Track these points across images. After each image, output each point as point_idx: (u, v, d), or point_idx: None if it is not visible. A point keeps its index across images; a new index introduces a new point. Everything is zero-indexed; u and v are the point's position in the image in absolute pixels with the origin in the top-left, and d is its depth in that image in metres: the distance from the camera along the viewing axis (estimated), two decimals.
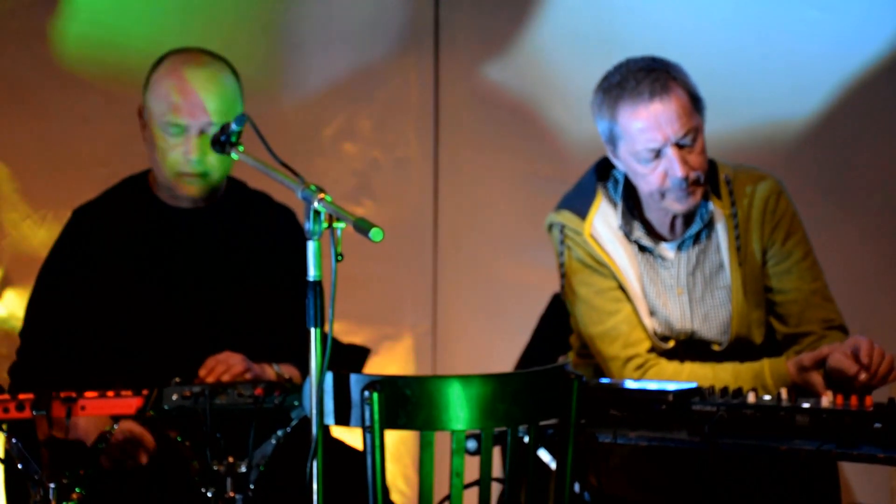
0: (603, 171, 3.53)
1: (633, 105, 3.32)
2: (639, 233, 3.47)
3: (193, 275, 3.43)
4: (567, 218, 3.51)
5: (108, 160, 4.34)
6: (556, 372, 2.74)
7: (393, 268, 4.91)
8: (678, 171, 3.31)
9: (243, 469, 2.89)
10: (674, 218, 3.45)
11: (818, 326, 3.45)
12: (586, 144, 4.23)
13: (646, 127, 3.31)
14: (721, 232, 3.46)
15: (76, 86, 4.51)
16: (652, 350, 3.45)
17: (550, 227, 3.55)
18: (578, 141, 4.69)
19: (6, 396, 2.88)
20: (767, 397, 2.99)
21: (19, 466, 2.87)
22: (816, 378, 3.21)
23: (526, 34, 4.86)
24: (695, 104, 3.35)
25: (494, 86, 4.91)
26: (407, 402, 2.61)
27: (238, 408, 2.93)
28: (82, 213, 3.50)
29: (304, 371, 2.69)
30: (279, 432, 2.91)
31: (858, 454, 2.85)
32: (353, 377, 2.63)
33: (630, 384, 3.11)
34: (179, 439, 2.97)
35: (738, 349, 3.45)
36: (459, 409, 2.62)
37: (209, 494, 2.89)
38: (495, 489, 2.71)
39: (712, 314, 3.47)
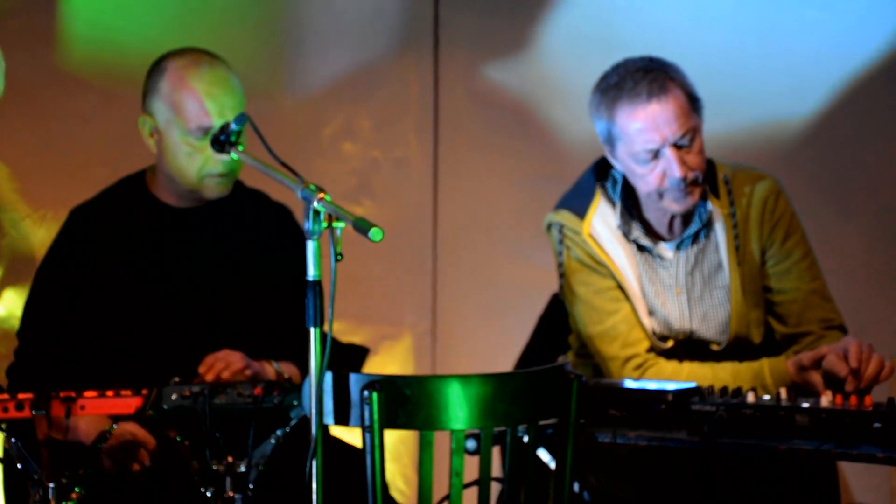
0: (601, 170, 3.53)
1: (631, 106, 3.32)
2: (637, 232, 3.47)
3: (191, 274, 3.43)
4: (566, 218, 3.51)
5: (107, 160, 4.33)
6: (555, 372, 2.74)
7: (392, 267, 4.91)
8: (676, 172, 3.31)
9: (242, 469, 2.89)
10: (672, 218, 3.45)
11: (817, 326, 3.45)
12: (586, 144, 4.23)
13: (644, 128, 3.31)
14: (720, 231, 3.46)
15: (76, 86, 4.51)
16: (651, 350, 3.46)
17: (549, 226, 3.55)
18: (578, 141, 4.69)
19: (5, 396, 2.87)
20: (767, 397, 2.99)
21: (19, 466, 2.87)
22: (816, 378, 3.20)
23: (526, 34, 4.86)
24: (693, 104, 3.35)
25: (494, 86, 4.91)
26: (406, 401, 2.61)
27: (237, 407, 2.93)
28: (79, 213, 3.50)
29: (304, 370, 2.69)
30: (278, 432, 2.91)
31: (858, 454, 2.85)
32: (353, 377, 2.63)
33: (629, 384, 3.11)
34: (179, 439, 2.98)
35: (736, 349, 3.45)
36: (459, 409, 2.62)
37: (208, 494, 2.89)
38: (494, 489, 2.71)
39: (711, 314, 3.48)
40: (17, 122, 4.46)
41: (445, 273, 4.99)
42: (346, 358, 3.65)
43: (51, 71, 4.49)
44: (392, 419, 2.61)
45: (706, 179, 3.42)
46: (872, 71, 4.56)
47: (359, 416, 2.61)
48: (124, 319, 3.38)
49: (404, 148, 4.97)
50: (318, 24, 4.85)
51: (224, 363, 3.19)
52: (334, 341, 2.64)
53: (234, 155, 3.11)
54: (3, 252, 4.45)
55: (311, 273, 2.65)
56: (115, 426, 3.11)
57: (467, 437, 2.71)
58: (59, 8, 4.50)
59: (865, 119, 4.60)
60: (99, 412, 2.94)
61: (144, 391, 2.93)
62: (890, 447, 2.82)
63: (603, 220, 3.48)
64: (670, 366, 3.40)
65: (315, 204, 2.64)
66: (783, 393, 2.99)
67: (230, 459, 2.89)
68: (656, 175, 3.34)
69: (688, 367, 3.39)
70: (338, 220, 2.62)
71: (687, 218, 3.45)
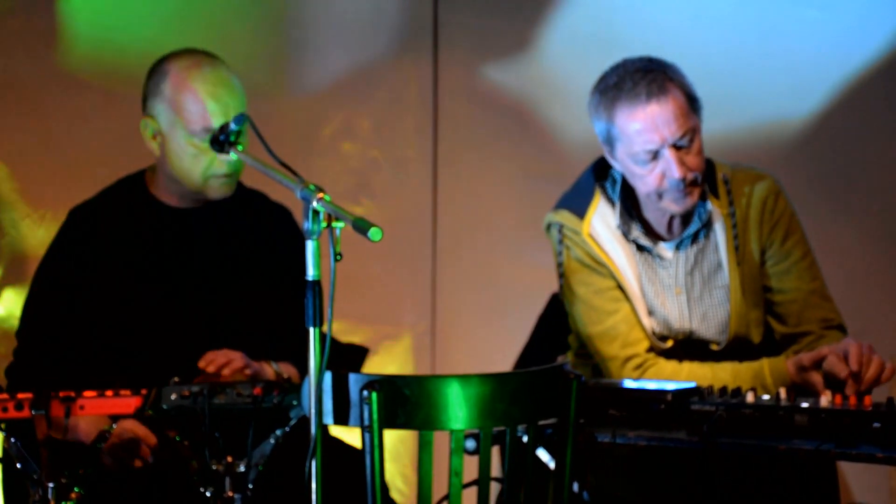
0: (601, 170, 3.53)
1: (630, 107, 3.32)
2: (637, 232, 3.47)
3: (191, 274, 3.43)
4: (565, 217, 3.51)
5: (107, 160, 4.32)
6: (554, 371, 2.74)
7: (392, 267, 4.91)
8: (676, 173, 3.31)
9: (242, 468, 2.89)
10: (672, 218, 3.45)
11: (817, 326, 3.45)
12: (586, 144, 4.22)
13: (643, 128, 3.31)
14: (719, 231, 3.46)
15: (76, 86, 4.51)
16: (650, 350, 3.45)
17: (549, 226, 3.55)
18: (578, 141, 4.69)
19: (5, 396, 2.87)
20: (766, 397, 2.99)
21: (18, 466, 2.87)
22: (816, 378, 3.21)
23: (525, 34, 4.86)
24: (692, 105, 3.35)
25: (493, 86, 4.91)
26: (406, 401, 2.61)
27: (237, 407, 2.93)
28: (79, 213, 3.50)
29: (303, 370, 2.69)
30: (278, 432, 2.91)
31: (857, 454, 2.85)
32: (352, 377, 2.63)
33: (629, 384, 3.11)
34: (178, 439, 2.98)
35: (736, 349, 3.45)
36: (458, 409, 2.62)
37: (208, 494, 2.89)
38: (494, 489, 2.71)
39: (710, 314, 3.48)
40: (17, 122, 4.47)
41: (445, 273, 4.99)
42: (345, 358, 3.65)
43: (51, 71, 4.49)
44: (391, 419, 2.61)
45: (705, 179, 3.42)
46: (872, 71, 4.56)
47: (358, 415, 2.61)
48: (124, 319, 3.38)
49: (404, 148, 4.97)
50: (318, 24, 4.85)
51: (225, 358, 3.20)
52: (334, 341, 2.64)
53: (233, 155, 3.11)
54: (2, 252, 4.45)
55: (311, 273, 2.65)
56: (114, 426, 3.11)
57: (467, 436, 2.71)
58: (59, 8, 4.50)
59: (865, 119, 4.61)
60: (98, 412, 2.94)
61: (144, 391, 2.93)
62: (889, 447, 2.82)
63: (602, 220, 3.48)
64: (670, 366, 3.40)
65: (314, 204, 2.64)
66: (783, 393, 2.98)
67: (230, 459, 2.89)
68: (655, 175, 3.34)
69: (687, 367, 3.39)
70: (337, 219, 2.62)
71: (686, 218, 3.45)
